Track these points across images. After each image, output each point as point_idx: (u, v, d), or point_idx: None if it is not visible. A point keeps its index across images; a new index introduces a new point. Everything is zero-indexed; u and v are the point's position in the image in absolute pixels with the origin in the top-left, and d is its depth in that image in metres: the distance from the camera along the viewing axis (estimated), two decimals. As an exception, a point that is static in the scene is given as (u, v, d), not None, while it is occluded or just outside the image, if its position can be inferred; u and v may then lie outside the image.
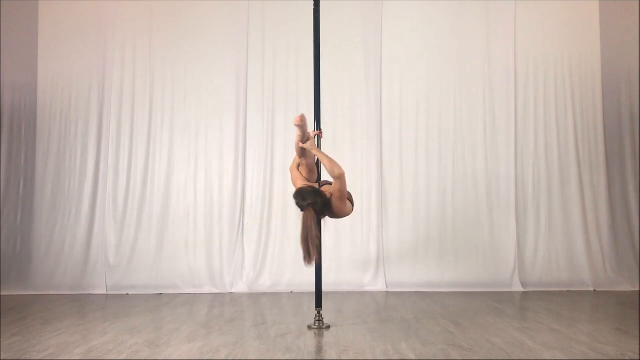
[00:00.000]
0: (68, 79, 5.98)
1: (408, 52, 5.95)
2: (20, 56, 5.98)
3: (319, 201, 3.40)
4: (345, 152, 5.82)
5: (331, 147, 5.49)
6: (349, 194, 3.65)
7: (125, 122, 5.93)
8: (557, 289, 5.65)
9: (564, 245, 5.83)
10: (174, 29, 5.98)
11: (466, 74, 5.95)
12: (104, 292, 5.68)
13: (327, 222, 4.00)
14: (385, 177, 5.86)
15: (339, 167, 3.45)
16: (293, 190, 3.58)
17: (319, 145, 3.94)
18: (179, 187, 5.88)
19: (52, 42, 5.99)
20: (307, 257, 3.29)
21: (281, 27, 5.95)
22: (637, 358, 3.03)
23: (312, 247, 3.28)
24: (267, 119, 5.91)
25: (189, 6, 5.99)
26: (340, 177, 3.42)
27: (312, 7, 4.13)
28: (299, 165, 3.78)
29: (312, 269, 4.30)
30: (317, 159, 3.82)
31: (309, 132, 3.70)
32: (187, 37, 5.97)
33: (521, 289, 5.64)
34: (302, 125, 3.59)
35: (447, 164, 5.88)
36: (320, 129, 4.02)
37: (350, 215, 3.83)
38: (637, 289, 5.64)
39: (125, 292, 5.66)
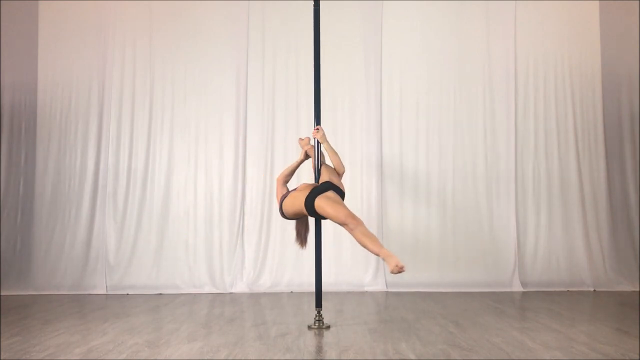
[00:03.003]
0: (68, 79, 5.98)
1: (408, 52, 5.96)
2: (20, 56, 5.98)
3: None
4: (345, 152, 5.82)
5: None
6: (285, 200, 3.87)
7: (125, 122, 5.93)
8: (557, 289, 5.65)
9: (564, 245, 5.83)
10: (174, 29, 5.98)
11: (466, 74, 5.95)
12: (104, 292, 5.68)
13: (325, 222, 4.03)
14: (385, 177, 5.86)
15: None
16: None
17: (319, 146, 4.06)
18: (179, 187, 5.88)
19: (52, 42, 5.99)
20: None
21: (281, 27, 5.95)
22: (637, 358, 3.03)
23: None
24: (267, 119, 5.91)
25: (189, 6, 5.99)
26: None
27: (312, 7, 4.13)
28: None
29: (311, 269, 4.34)
30: (319, 166, 4.03)
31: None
32: (187, 37, 5.97)
33: (521, 289, 5.64)
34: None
35: (447, 164, 5.88)
36: (316, 128, 4.01)
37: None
38: (637, 289, 5.65)
39: (125, 292, 5.66)
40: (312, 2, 4.13)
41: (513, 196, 5.84)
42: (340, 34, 5.84)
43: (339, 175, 3.96)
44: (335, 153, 3.98)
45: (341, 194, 3.76)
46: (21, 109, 5.98)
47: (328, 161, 4.11)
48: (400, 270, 3.13)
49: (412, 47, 5.96)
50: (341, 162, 3.98)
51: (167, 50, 5.97)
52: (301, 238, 3.88)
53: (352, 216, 3.46)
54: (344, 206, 3.55)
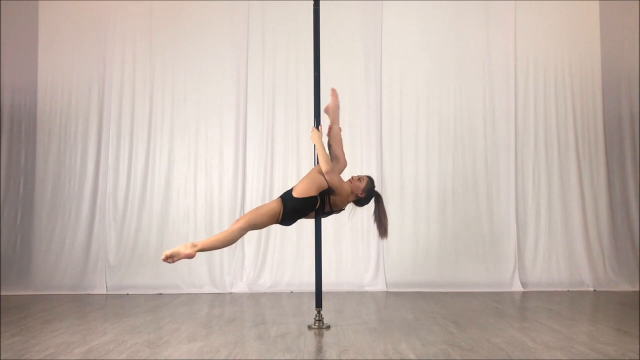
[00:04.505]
0: (68, 79, 5.98)
1: (408, 52, 5.96)
2: (20, 56, 5.97)
3: None
4: (345, 152, 5.81)
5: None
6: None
7: (125, 122, 5.93)
8: (557, 289, 5.65)
9: (564, 245, 5.83)
10: (174, 29, 5.98)
11: (466, 74, 5.95)
12: (104, 292, 5.68)
13: (326, 222, 4.03)
14: (385, 177, 5.86)
15: None
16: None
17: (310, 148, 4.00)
18: (179, 187, 5.88)
19: (52, 42, 5.98)
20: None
21: (281, 27, 5.95)
22: (637, 358, 3.03)
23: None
24: (267, 119, 5.91)
25: (189, 6, 5.99)
26: None
27: (312, 6, 4.13)
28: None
29: (311, 269, 4.33)
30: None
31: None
32: (187, 37, 5.97)
33: (521, 289, 5.64)
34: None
35: (447, 164, 5.89)
36: (312, 128, 4.01)
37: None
38: (637, 289, 5.65)
39: (125, 292, 5.66)
40: (312, 2, 4.13)
41: (513, 196, 5.84)
42: (340, 34, 5.84)
43: (324, 174, 3.76)
44: (321, 154, 3.82)
45: (293, 201, 3.63)
46: (21, 109, 5.98)
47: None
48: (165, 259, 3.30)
49: (412, 46, 5.96)
50: (325, 162, 3.78)
51: (167, 50, 5.97)
52: (377, 227, 3.97)
53: (236, 222, 3.59)
54: (251, 213, 3.63)
